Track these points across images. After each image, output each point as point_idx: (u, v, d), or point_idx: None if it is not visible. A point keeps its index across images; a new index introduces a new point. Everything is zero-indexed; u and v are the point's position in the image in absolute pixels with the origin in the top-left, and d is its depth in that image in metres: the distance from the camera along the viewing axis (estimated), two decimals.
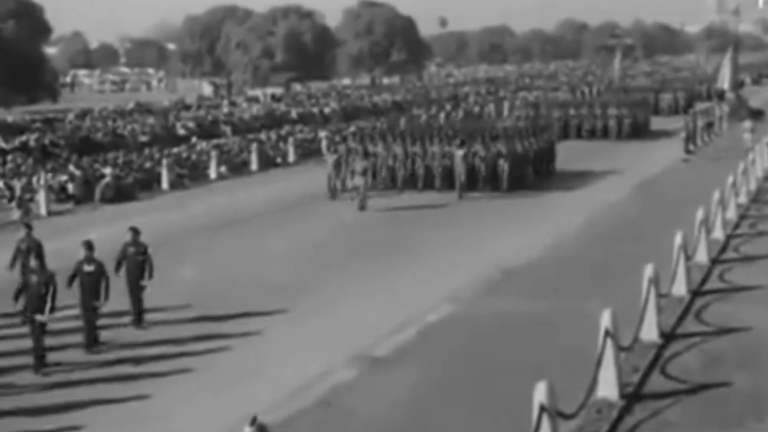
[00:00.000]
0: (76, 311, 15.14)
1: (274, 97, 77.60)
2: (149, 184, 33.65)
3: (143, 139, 45.85)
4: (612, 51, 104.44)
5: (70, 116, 59.13)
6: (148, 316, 16.23)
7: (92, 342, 14.89)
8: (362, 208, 27.26)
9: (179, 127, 50.77)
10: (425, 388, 12.58)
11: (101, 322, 15.27)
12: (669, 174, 33.32)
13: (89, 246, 15.13)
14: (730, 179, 23.78)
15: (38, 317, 13.92)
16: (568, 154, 36.70)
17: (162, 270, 16.75)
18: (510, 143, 31.12)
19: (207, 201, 30.62)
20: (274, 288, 18.35)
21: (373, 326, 15.36)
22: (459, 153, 29.57)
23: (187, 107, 67.31)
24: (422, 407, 12.00)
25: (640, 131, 47.37)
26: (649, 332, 13.61)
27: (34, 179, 31.50)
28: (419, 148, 31.29)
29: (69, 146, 41.90)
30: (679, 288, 16.08)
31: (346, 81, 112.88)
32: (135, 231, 16.23)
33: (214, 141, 44.42)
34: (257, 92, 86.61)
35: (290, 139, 43.12)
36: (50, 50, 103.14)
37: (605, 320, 11.45)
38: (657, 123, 51.19)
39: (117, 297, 15.47)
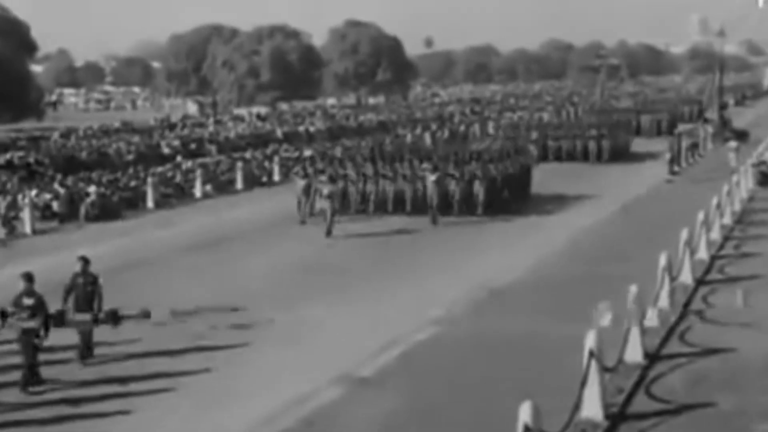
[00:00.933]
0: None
1: (259, 116, 77.63)
2: (134, 202, 33.54)
3: (128, 157, 45.86)
4: (597, 71, 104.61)
5: (55, 135, 59.08)
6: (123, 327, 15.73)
7: (29, 380, 13.84)
8: (329, 233, 26.34)
9: (164, 146, 50.83)
10: (409, 410, 12.53)
11: (43, 357, 14.26)
12: (652, 195, 33.33)
13: (29, 278, 14.14)
14: (715, 200, 23.89)
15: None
16: (546, 177, 36.23)
17: (143, 289, 16.61)
18: (485, 166, 30.64)
19: (192, 220, 30.52)
20: (247, 308, 18.21)
21: (359, 347, 15.29)
22: (431, 177, 28.88)
23: (173, 126, 67.28)
24: (406, 429, 11.97)
25: (620, 153, 46.60)
26: (634, 353, 13.64)
27: (19, 197, 31.36)
28: (389, 171, 30.77)
29: (54, 165, 41.86)
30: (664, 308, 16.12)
31: (332, 100, 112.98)
32: (85, 260, 15.34)
33: (200, 160, 44.43)
34: (243, 111, 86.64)
35: (275, 158, 43.16)
36: (36, 68, 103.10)
37: (590, 341, 11.48)
38: (639, 144, 50.96)
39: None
